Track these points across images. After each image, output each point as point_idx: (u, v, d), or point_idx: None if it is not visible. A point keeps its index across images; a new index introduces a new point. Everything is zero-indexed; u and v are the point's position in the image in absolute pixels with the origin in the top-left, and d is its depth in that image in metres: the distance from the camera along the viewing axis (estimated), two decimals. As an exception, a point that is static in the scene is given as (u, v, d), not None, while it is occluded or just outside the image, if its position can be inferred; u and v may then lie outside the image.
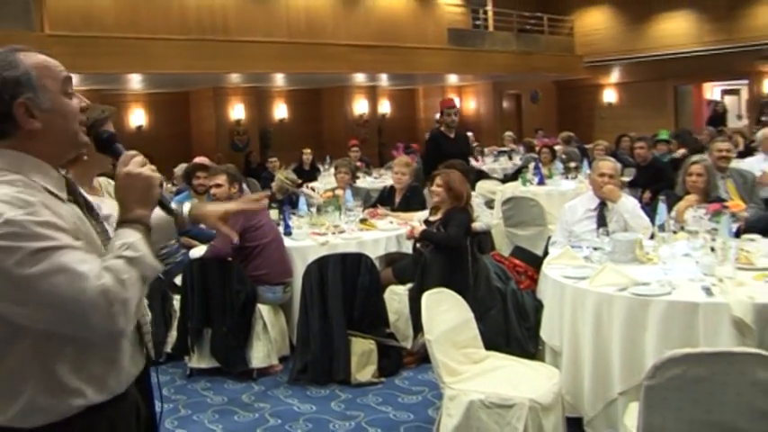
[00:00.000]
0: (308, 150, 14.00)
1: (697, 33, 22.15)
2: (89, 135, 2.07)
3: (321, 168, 13.23)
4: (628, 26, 23.38)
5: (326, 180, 11.39)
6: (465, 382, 3.86)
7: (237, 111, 17.73)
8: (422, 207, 7.32)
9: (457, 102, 15.60)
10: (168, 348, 6.00)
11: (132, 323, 1.92)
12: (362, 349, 5.52)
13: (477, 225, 6.41)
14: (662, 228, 5.07)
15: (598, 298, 4.05)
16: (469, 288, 5.35)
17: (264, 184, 11.39)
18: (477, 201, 6.65)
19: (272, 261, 5.89)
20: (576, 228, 5.72)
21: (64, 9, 12.70)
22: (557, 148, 13.01)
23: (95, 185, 3.48)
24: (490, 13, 21.91)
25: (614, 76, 24.24)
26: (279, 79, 17.18)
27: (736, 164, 8.22)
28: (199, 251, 6.19)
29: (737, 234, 4.91)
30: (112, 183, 2.72)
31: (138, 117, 17.19)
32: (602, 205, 5.74)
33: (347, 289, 5.54)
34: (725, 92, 24.96)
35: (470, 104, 23.38)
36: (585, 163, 10.80)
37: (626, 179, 9.82)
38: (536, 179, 10.29)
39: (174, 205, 2.28)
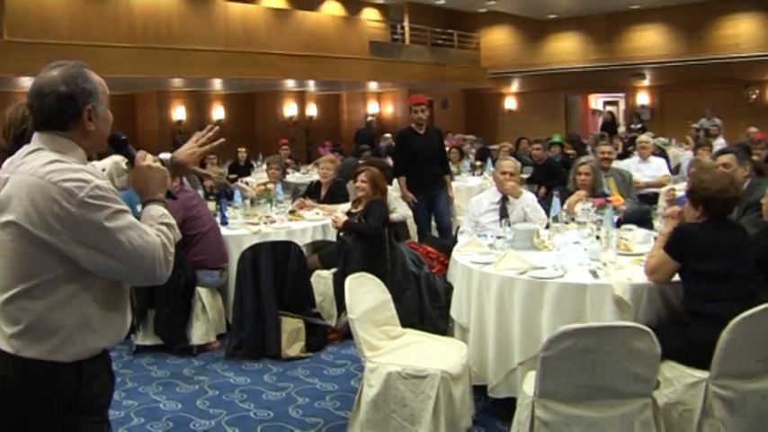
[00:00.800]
0: (243, 149, 13.86)
1: (583, 52, 22.74)
2: (108, 140, 2.34)
3: (255, 165, 13.03)
4: (526, 44, 23.77)
5: (259, 175, 11.24)
6: (384, 356, 3.86)
7: (179, 112, 17.41)
8: (345, 200, 7.28)
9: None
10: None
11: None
12: (292, 327, 5.48)
13: (394, 216, 6.41)
14: (556, 219, 5.16)
15: (501, 281, 4.09)
16: (387, 272, 5.36)
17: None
18: (394, 194, 6.65)
19: (210, 248, 5.81)
20: (481, 219, 5.78)
21: (21, 16, 12.27)
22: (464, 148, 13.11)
23: None
24: (407, 29, 21.94)
25: (514, 86, 24.55)
26: (217, 84, 16.93)
27: (616, 164, 8.42)
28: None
29: (618, 224, 5.03)
30: None
31: (87, 117, 16.56)
32: (504, 199, 5.82)
33: (278, 273, 5.50)
34: (606, 103, 25.63)
35: (388, 109, 23.38)
36: (490, 162, 10.90)
37: (524, 176, 9.95)
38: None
39: (161, 155, 2.57)
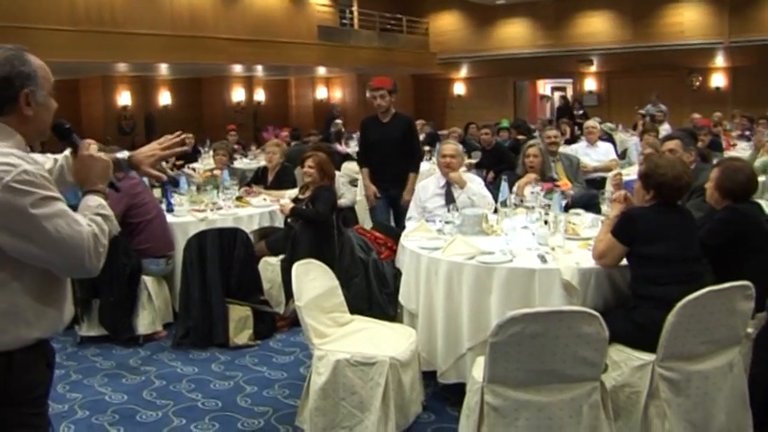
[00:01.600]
0: (190, 135, 13.71)
1: (531, 38, 22.91)
2: (51, 128, 2.31)
3: (202, 151, 12.86)
4: (475, 29, 23.84)
5: (207, 161, 11.09)
6: (332, 344, 3.82)
7: (124, 97, 17.04)
8: (293, 185, 7.21)
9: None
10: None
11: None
12: (239, 315, 5.42)
13: (342, 201, 6.38)
14: (504, 204, 5.17)
15: (449, 266, 4.08)
16: (335, 258, 5.32)
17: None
18: (342, 180, 6.60)
19: (155, 236, 5.71)
20: (428, 204, 5.76)
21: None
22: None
23: None
24: (356, 13, 21.85)
25: (463, 71, 24.64)
26: (163, 69, 16.65)
27: (564, 149, 8.50)
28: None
29: (566, 209, 5.06)
30: None
31: (28, 102, 16.19)
32: (449, 184, 5.80)
33: (225, 260, 5.43)
34: (554, 88, 25.92)
35: (337, 94, 23.26)
36: (438, 147, 10.89)
37: (473, 161, 10.00)
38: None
39: (118, 155, 2.57)
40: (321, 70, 20.70)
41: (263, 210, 6.55)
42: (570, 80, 23.62)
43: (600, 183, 7.87)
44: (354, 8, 21.92)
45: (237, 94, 19.77)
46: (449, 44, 23.90)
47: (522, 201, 5.26)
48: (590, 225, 4.73)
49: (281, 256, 5.89)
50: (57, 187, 2.10)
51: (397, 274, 4.81)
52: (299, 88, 22.69)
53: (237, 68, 17.99)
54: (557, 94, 25.08)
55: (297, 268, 3.93)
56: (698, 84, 20.74)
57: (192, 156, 12.52)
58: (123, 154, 2.60)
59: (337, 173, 6.61)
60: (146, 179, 7.10)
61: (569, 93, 23.41)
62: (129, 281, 5.53)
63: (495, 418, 3.10)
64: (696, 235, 3.76)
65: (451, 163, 5.84)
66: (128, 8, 14.30)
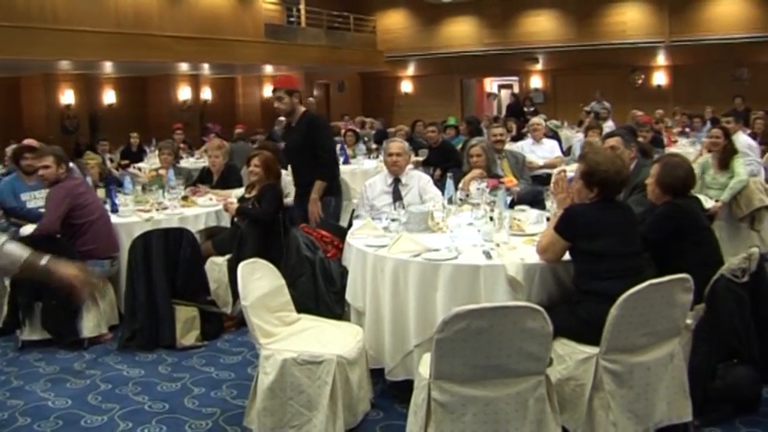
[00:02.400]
0: (135, 134, 13.64)
1: (478, 36, 23.10)
2: None
3: (147, 150, 12.65)
4: (422, 27, 23.94)
5: (152, 161, 10.90)
6: (279, 343, 3.80)
7: (68, 96, 16.71)
8: (239, 184, 7.14)
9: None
10: (-1, 323, 5.59)
11: None
12: (186, 316, 5.36)
13: (288, 200, 6.34)
14: (450, 200, 5.18)
15: (395, 263, 4.08)
16: (282, 257, 5.28)
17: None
18: (288, 179, 6.55)
19: (99, 237, 5.59)
20: (375, 202, 5.77)
21: None
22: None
23: None
24: (303, 11, 21.71)
25: (410, 69, 24.73)
26: (107, 67, 16.33)
27: (510, 146, 8.57)
28: (28, 229, 5.77)
29: (511, 205, 5.10)
30: None
31: (-34, 102, 15.84)
32: (397, 181, 5.83)
33: (170, 261, 5.35)
34: (501, 86, 26.15)
35: (285, 93, 23.14)
36: (384, 145, 10.88)
37: (419, 159, 10.01)
38: (341, 159, 10.27)
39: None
40: (268, 68, 20.56)
41: (209, 209, 6.48)
42: (516, 78, 23.89)
43: (545, 179, 7.93)
44: (302, 6, 21.81)
45: (184, 93, 19.52)
46: (396, 42, 23.96)
47: (467, 196, 5.29)
48: (535, 221, 4.76)
49: (228, 256, 5.84)
50: None
51: (344, 272, 4.79)
52: (247, 86, 22.49)
53: (184, 67, 17.75)
54: (505, 92, 25.30)
55: (243, 268, 3.89)
56: (640, 81, 21.16)
57: (138, 155, 12.34)
58: (45, 259, 2.71)
59: (283, 171, 6.56)
60: (89, 179, 7.00)
61: (516, 90, 23.64)
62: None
63: (443, 414, 3.12)
64: (637, 230, 3.83)
65: (398, 161, 5.85)
66: (70, 4, 13.99)
